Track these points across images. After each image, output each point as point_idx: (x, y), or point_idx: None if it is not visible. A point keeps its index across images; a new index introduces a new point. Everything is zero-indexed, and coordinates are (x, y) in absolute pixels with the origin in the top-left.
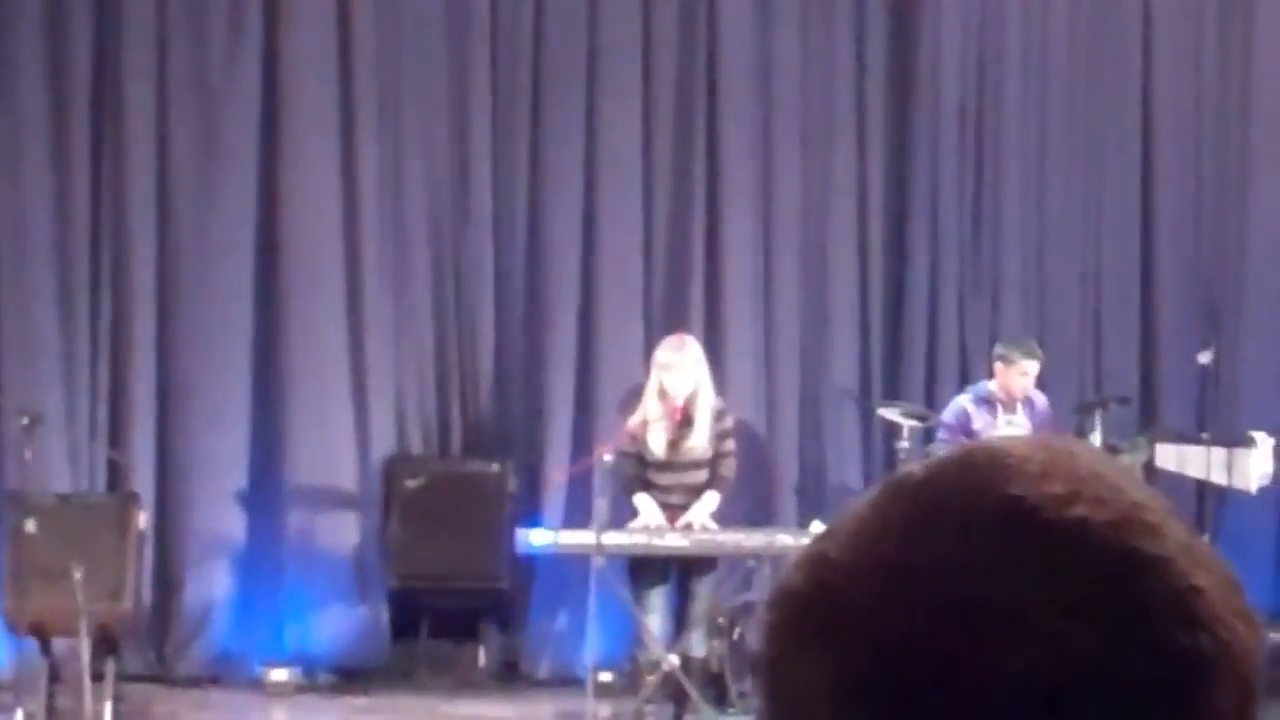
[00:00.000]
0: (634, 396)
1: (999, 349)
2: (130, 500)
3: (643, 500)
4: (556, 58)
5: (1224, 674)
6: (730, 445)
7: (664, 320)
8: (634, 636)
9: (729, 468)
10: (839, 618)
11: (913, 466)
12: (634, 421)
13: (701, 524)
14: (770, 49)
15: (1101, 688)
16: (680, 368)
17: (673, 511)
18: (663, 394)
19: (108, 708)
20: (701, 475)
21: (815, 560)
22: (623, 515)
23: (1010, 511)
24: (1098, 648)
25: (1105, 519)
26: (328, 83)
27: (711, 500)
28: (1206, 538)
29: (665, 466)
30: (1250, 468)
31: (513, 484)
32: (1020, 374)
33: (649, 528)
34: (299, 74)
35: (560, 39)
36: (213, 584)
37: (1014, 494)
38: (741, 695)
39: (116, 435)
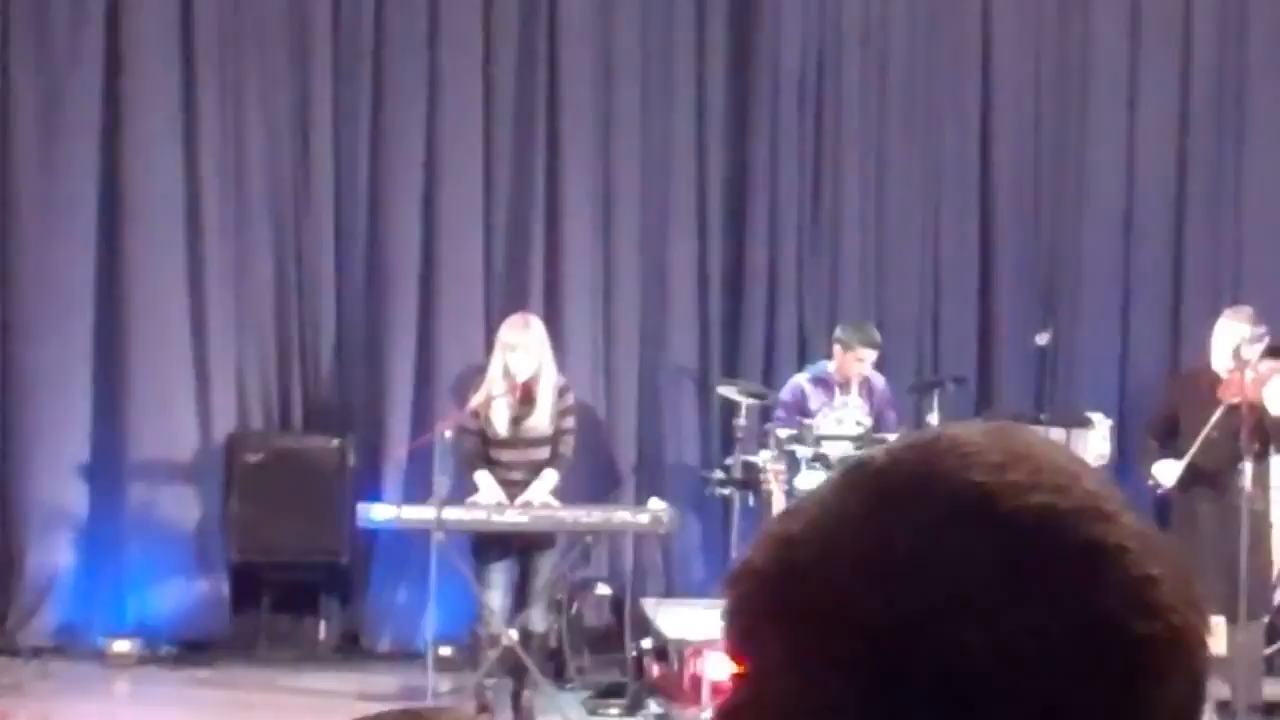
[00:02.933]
0: (475, 374)
1: (839, 333)
2: None
3: (483, 477)
4: (397, 38)
5: (1177, 662)
6: (570, 423)
7: (504, 298)
8: (474, 611)
9: (568, 445)
10: (807, 598)
11: (872, 452)
12: (477, 399)
13: (542, 501)
14: (610, 27)
15: (1063, 671)
16: (524, 347)
17: (514, 488)
18: (506, 372)
19: None
20: (543, 452)
21: (780, 541)
22: (464, 491)
23: (974, 499)
24: (1060, 632)
25: (1066, 507)
26: (170, 62)
27: (550, 478)
28: None
29: (508, 443)
30: (1088, 448)
31: (353, 459)
32: (856, 359)
33: (489, 504)
34: (141, 52)
35: (402, 19)
36: (55, 556)
37: (977, 481)
38: (579, 670)
39: None
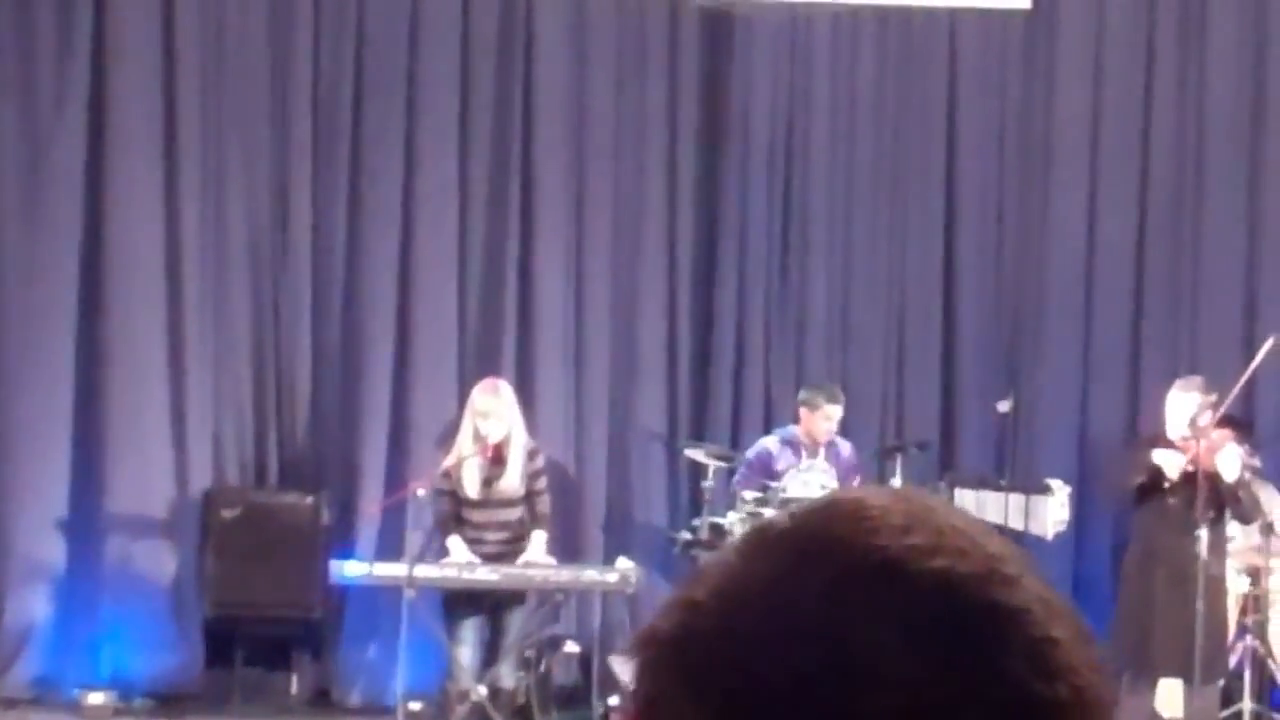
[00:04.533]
0: (450, 434)
1: (803, 394)
2: None
3: (455, 543)
4: (376, 106)
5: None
6: (543, 483)
7: (477, 360)
8: (444, 667)
9: (545, 504)
10: (710, 662)
11: (776, 516)
12: (449, 460)
13: (541, 561)
14: (584, 95)
15: None
16: (495, 414)
17: (486, 547)
18: (477, 436)
19: None
20: (514, 513)
21: (684, 606)
22: (437, 549)
23: (876, 563)
24: (960, 695)
25: (967, 570)
26: (153, 115)
27: (539, 539)
28: None
29: (479, 504)
30: (1046, 514)
31: (327, 516)
32: (824, 418)
33: (460, 562)
34: (125, 104)
35: (381, 86)
36: (32, 609)
37: (879, 545)
38: None
39: None
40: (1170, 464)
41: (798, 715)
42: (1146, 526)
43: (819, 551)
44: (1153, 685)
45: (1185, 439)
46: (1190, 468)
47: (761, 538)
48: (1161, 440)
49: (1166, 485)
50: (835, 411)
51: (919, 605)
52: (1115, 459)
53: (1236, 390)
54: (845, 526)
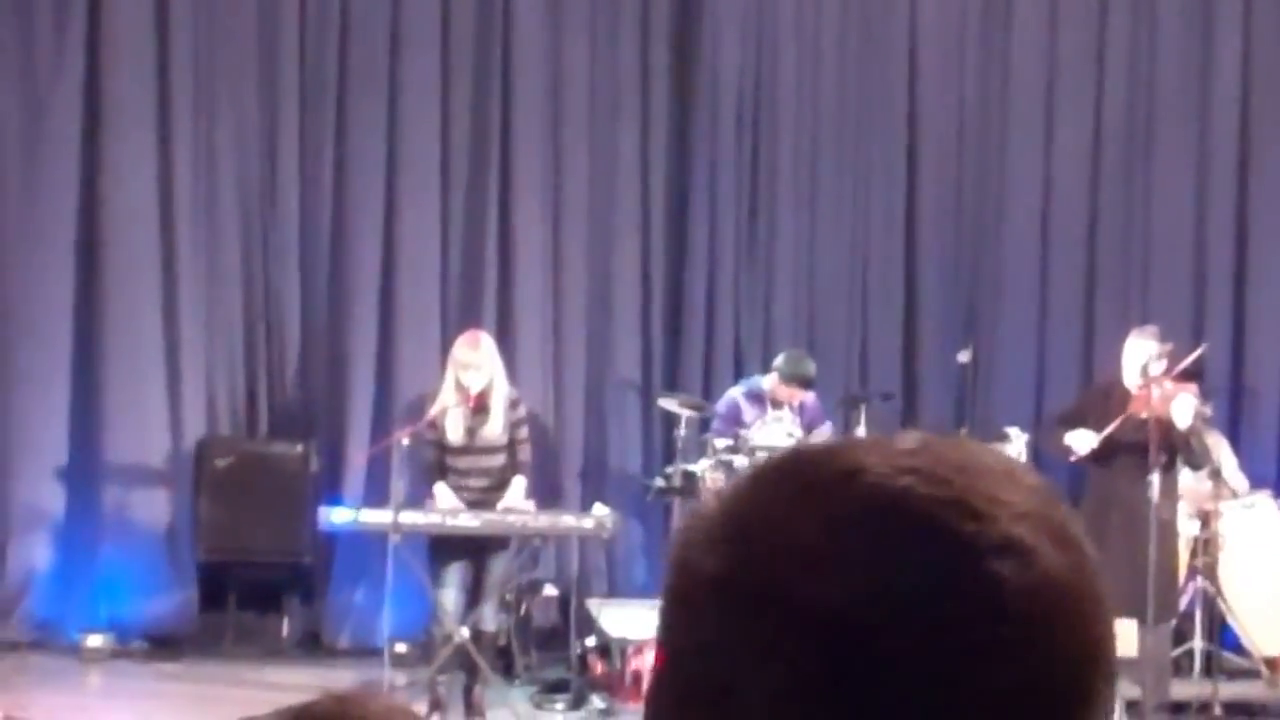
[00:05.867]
0: (434, 384)
1: (781, 364)
2: None
3: (441, 489)
4: (359, 72)
5: (1027, 667)
6: (525, 432)
7: (459, 313)
8: (429, 610)
9: (526, 452)
10: (686, 560)
11: (794, 447)
12: (433, 410)
13: (520, 506)
14: (560, 57)
15: (878, 628)
16: (476, 365)
17: (471, 493)
18: (459, 386)
19: None
20: (498, 459)
21: (691, 514)
22: (422, 498)
23: (844, 472)
24: (895, 604)
25: (928, 493)
26: (146, 85)
27: (519, 484)
28: None
29: (463, 451)
30: None
31: (315, 465)
32: (791, 393)
33: (445, 508)
34: (119, 68)
35: (363, 55)
36: (32, 555)
37: (858, 458)
38: (527, 666)
39: None
40: (1081, 442)
41: (748, 602)
42: (1101, 473)
43: (803, 464)
44: None
45: (1140, 387)
46: (1143, 415)
47: (769, 459)
48: (1116, 387)
49: (1073, 459)
50: (808, 396)
51: (865, 513)
52: (1040, 430)
53: (1185, 365)
54: (842, 448)
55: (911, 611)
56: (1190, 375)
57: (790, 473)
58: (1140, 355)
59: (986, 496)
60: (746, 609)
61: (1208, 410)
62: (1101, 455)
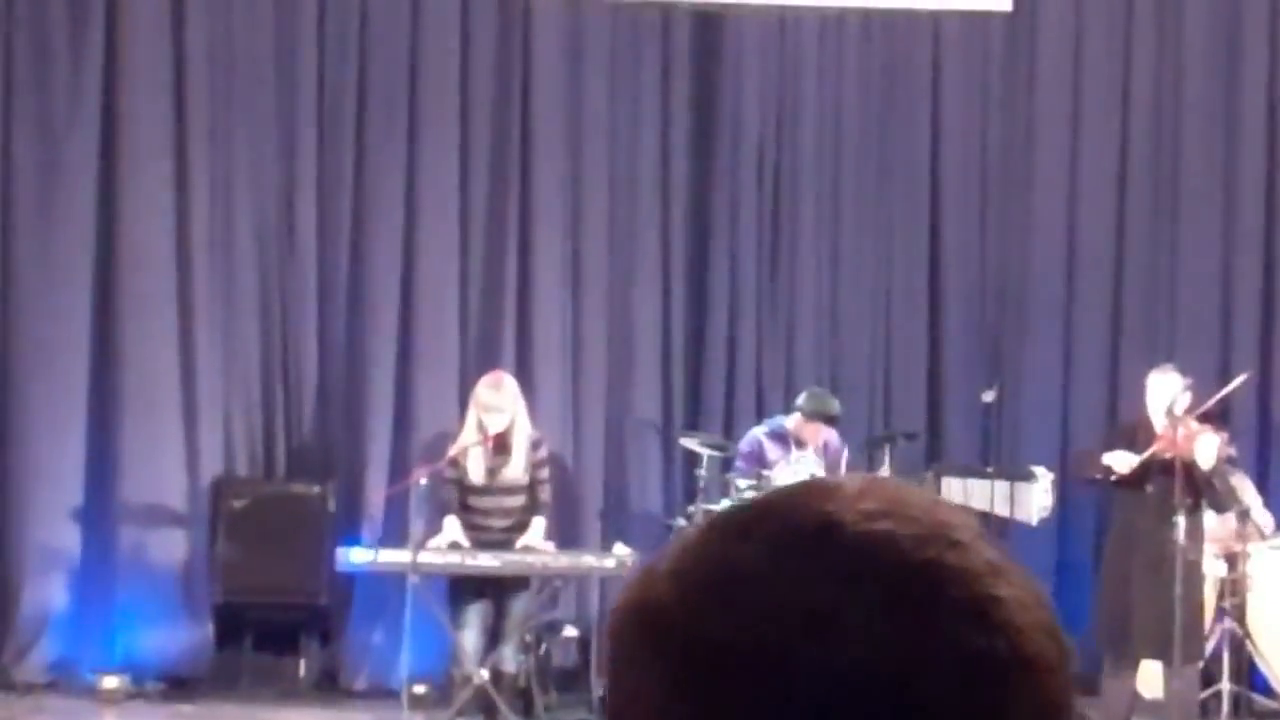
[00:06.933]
0: (453, 424)
1: (803, 402)
2: None
3: (450, 522)
4: (379, 104)
5: (1022, 684)
6: (546, 473)
7: (478, 353)
8: (448, 651)
9: (547, 493)
10: (664, 624)
11: (746, 498)
12: (455, 448)
13: (539, 547)
14: (580, 99)
15: (905, 686)
16: (499, 407)
17: (490, 533)
18: (480, 426)
19: None
20: (518, 500)
21: (645, 573)
22: (437, 532)
23: (822, 524)
24: (901, 649)
25: (910, 533)
26: (163, 117)
27: (539, 525)
28: None
29: (484, 491)
30: (1031, 500)
31: (333, 504)
32: (814, 431)
33: (464, 548)
34: (137, 107)
35: (383, 93)
36: (49, 595)
37: (828, 509)
38: (547, 708)
39: None
40: (1120, 463)
41: (743, 669)
42: (1125, 513)
43: (771, 517)
44: (1134, 667)
45: (1165, 427)
46: (1168, 455)
47: (725, 511)
48: (1141, 427)
49: (1114, 479)
50: (831, 434)
51: (859, 563)
52: (1075, 454)
53: (1211, 404)
54: (801, 497)
55: (941, 656)
56: (1214, 415)
57: (758, 529)
58: (1163, 392)
59: (958, 527)
60: (752, 675)
61: (1232, 450)
62: (1138, 481)
